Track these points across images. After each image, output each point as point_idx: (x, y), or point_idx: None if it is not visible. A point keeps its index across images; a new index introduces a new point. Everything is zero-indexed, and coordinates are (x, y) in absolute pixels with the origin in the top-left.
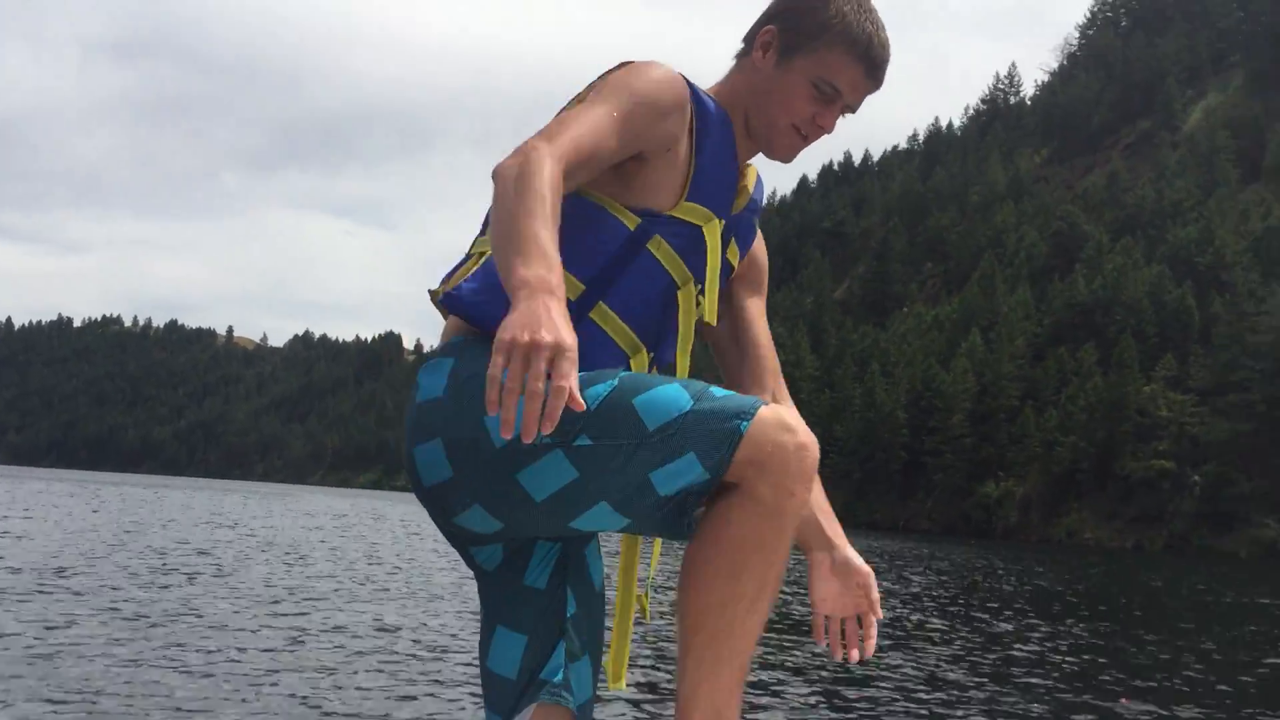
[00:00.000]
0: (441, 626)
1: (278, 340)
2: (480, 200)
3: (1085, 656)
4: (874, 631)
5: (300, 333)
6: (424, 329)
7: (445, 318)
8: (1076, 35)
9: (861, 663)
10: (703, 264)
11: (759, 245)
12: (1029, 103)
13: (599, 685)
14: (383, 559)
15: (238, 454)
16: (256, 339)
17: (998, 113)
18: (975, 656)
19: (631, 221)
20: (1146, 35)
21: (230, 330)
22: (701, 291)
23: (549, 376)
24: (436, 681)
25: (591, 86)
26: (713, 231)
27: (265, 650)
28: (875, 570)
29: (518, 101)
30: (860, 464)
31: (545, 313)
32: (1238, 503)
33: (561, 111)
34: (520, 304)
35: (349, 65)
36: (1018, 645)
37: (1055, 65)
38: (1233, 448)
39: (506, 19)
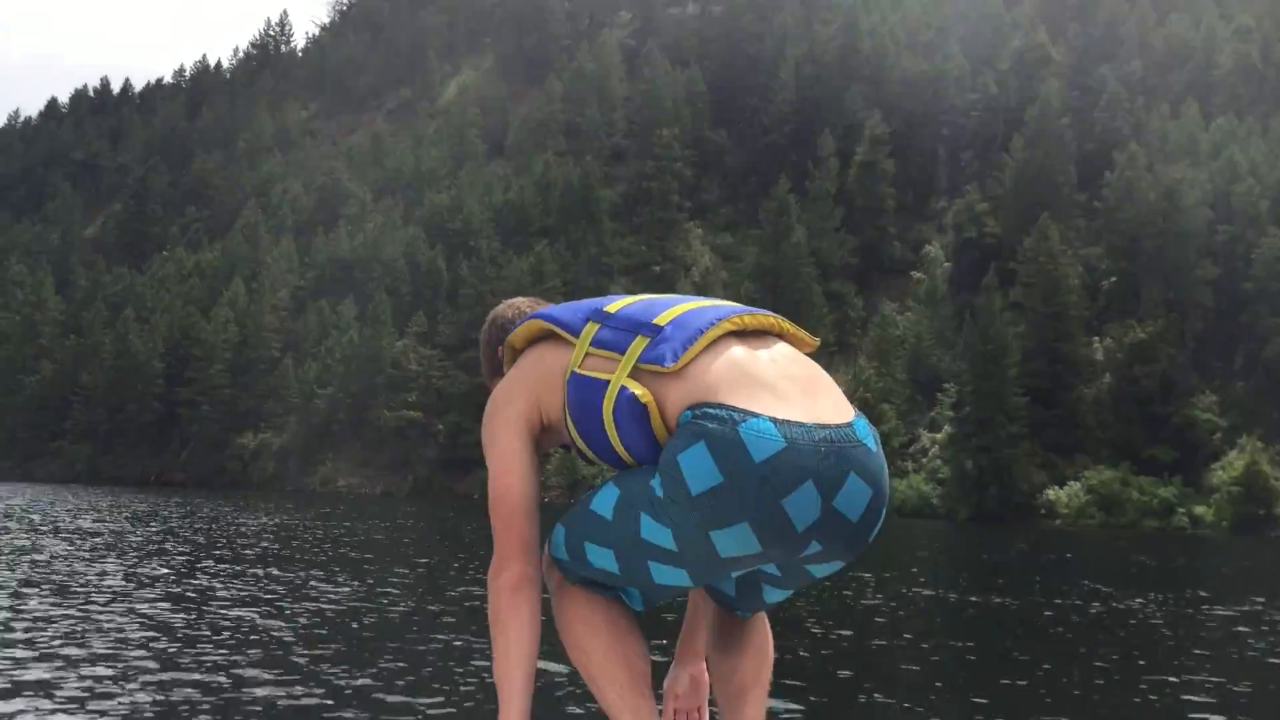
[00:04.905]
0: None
1: None
2: None
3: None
4: None
5: None
6: None
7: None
8: None
9: None
10: None
11: None
12: (300, 54)
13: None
14: None
15: None
16: None
17: (268, 60)
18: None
19: None
20: (412, 6)
21: None
22: None
23: None
24: None
25: None
26: None
27: None
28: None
29: None
30: (109, 415)
31: None
32: (474, 449)
33: None
34: None
35: None
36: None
37: (327, 20)
38: (471, 399)
39: None
